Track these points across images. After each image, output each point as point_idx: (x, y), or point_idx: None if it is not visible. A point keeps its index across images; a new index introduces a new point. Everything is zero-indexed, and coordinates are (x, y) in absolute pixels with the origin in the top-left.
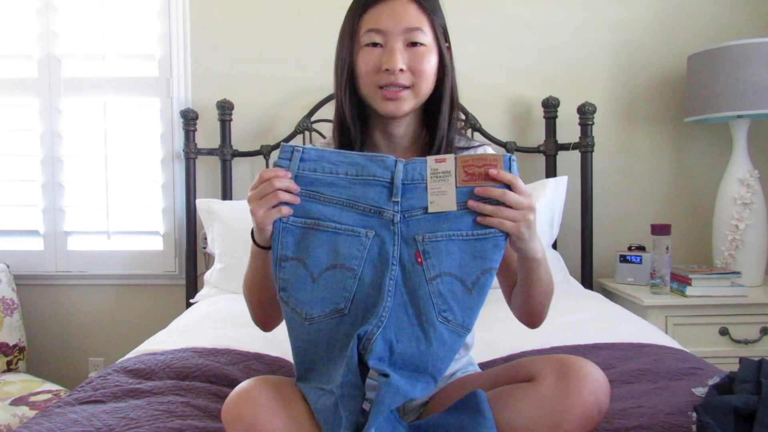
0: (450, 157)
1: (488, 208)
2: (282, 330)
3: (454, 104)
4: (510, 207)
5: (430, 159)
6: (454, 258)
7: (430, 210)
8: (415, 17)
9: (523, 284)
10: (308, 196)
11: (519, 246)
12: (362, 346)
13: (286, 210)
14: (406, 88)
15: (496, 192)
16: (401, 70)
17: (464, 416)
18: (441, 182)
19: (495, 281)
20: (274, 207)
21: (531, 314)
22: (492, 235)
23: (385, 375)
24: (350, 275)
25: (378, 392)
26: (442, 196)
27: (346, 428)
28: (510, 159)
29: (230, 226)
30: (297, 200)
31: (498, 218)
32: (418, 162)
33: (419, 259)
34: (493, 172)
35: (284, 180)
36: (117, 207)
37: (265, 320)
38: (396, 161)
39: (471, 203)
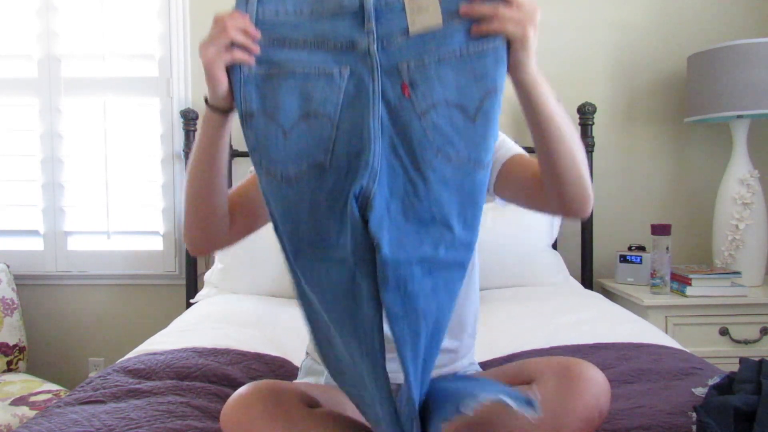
0: None
1: (486, 8)
2: (282, 330)
3: None
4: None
5: None
6: (448, 83)
7: (411, 31)
8: None
9: (539, 140)
10: (271, 42)
11: (521, 59)
12: (361, 205)
13: (239, 54)
14: None
15: None
16: None
17: (465, 381)
18: None
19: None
20: (225, 50)
21: (564, 184)
22: (491, 49)
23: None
24: (327, 123)
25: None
26: (424, 13)
27: (368, 300)
28: None
29: None
30: (255, 48)
31: (499, 20)
32: None
33: (406, 92)
34: None
35: (238, 20)
36: (117, 207)
37: (198, 227)
38: None
39: (464, 8)
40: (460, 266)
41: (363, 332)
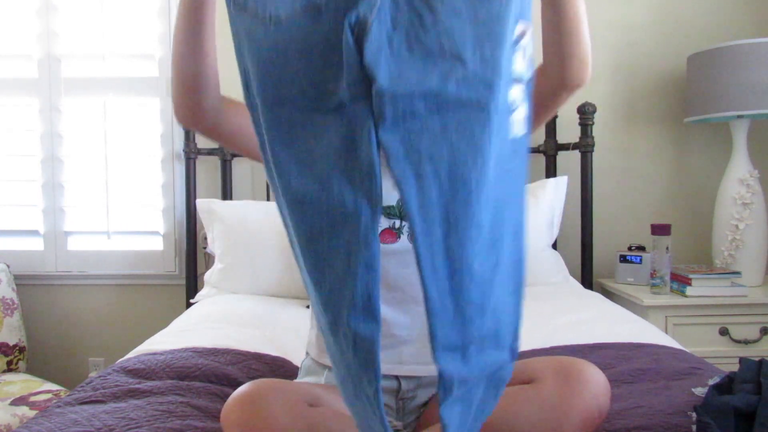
0: None
1: None
2: (282, 330)
3: None
4: None
5: None
6: None
7: None
8: None
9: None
10: None
11: None
12: (357, 35)
13: None
14: None
15: None
16: None
17: None
18: None
19: None
20: None
21: (571, 36)
22: None
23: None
24: None
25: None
26: None
27: (367, 143)
28: None
29: (230, 226)
30: None
31: None
32: None
33: None
34: None
35: None
36: (117, 207)
37: (181, 92)
38: None
39: None
40: (477, 107)
41: (359, 178)
